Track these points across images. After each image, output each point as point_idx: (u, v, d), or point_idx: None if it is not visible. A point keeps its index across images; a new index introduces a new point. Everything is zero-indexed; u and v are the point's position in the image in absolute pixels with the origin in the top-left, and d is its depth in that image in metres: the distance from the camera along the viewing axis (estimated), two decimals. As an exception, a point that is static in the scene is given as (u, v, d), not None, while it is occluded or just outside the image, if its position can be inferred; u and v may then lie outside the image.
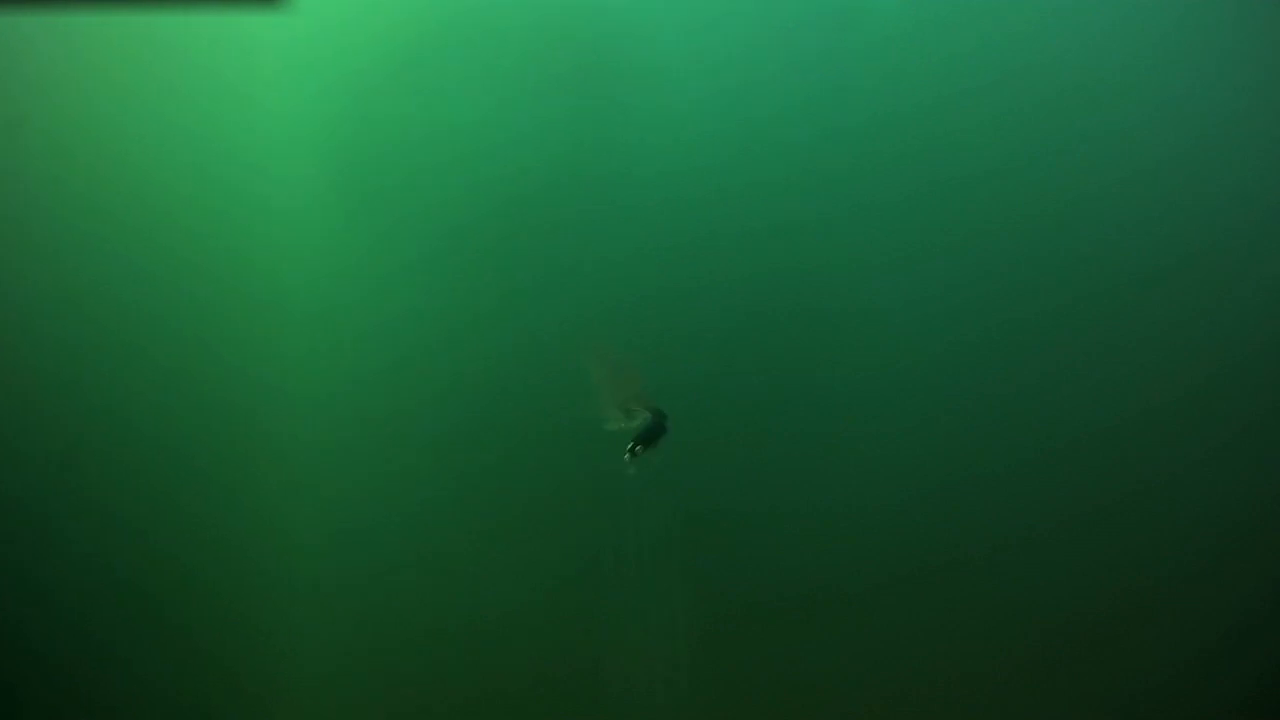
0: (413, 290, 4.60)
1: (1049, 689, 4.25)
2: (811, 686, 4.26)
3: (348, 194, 4.60)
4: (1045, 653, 4.28)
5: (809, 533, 4.39)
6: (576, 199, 4.66)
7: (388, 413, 4.49)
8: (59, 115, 4.59)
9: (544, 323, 4.54)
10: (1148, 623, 4.31)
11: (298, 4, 4.58)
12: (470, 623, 4.31)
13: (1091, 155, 4.76)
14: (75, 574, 4.29)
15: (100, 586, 4.29)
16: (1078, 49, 4.82)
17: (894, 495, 4.42)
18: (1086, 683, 4.26)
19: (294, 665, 4.27)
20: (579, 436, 4.21)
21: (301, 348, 4.50)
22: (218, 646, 4.29)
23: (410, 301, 4.60)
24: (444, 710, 4.28)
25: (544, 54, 4.67)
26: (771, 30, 4.80)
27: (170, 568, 4.32)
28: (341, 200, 4.60)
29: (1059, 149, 4.76)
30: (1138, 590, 4.34)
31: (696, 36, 4.78)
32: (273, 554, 4.34)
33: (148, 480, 4.39)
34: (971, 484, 4.43)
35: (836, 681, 4.27)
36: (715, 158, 4.71)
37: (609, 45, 4.70)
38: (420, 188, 4.64)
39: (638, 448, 4.02)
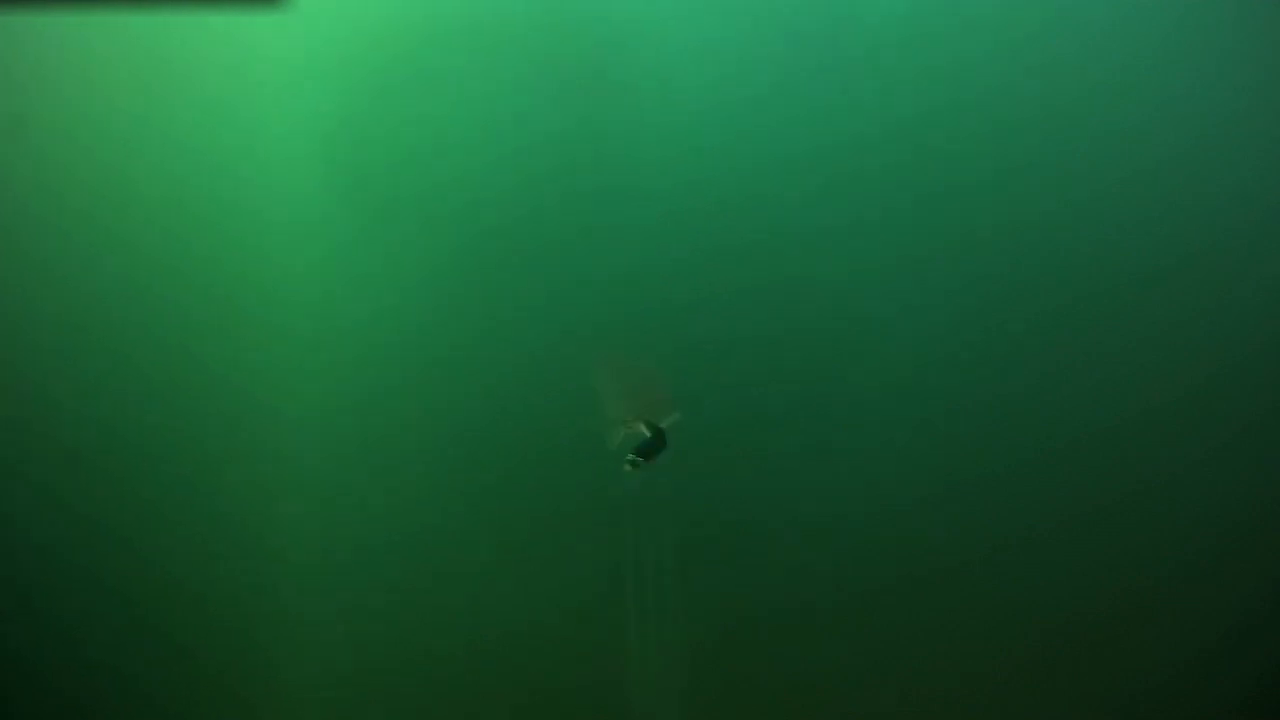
0: (416, 304, 4.59)
1: (1049, 689, 4.25)
2: (813, 687, 4.26)
3: (349, 202, 4.59)
4: (1045, 653, 4.28)
5: (811, 536, 4.39)
6: (577, 212, 4.67)
7: (389, 429, 4.47)
8: (59, 115, 4.59)
9: (545, 336, 4.54)
10: (1148, 623, 4.31)
11: (298, 4, 4.58)
12: (470, 641, 4.29)
13: (1091, 156, 4.77)
14: (66, 583, 4.27)
15: (94, 598, 4.27)
16: (1078, 51, 4.83)
17: (895, 497, 4.43)
18: (1086, 683, 4.26)
19: (292, 685, 4.25)
20: (584, 449, 4.20)
21: (302, 362, 4.49)
22: (219, 666, 4.26)
23: (413, 316, 4.59)
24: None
25: (549, 61, 4.67)
26: (775, 42, 4.81)
27: (179, 590, 4.30)
28: (343, 208, 4.59)
29: (1059, 150, 4.77)
30: (1138, 590, 4.35)
31: (702, 48, 4.79)
32: (273, 571, 4.32)
33: (150, 494, 4.37)
34: (972, 485, 4.43)
35: (838, 682, 4.27)
36: (718, 169, 4.73)
37: (613, 56, 4.70)
38: (423, 199, 4.64)
39: (638, 459, 4.02)
